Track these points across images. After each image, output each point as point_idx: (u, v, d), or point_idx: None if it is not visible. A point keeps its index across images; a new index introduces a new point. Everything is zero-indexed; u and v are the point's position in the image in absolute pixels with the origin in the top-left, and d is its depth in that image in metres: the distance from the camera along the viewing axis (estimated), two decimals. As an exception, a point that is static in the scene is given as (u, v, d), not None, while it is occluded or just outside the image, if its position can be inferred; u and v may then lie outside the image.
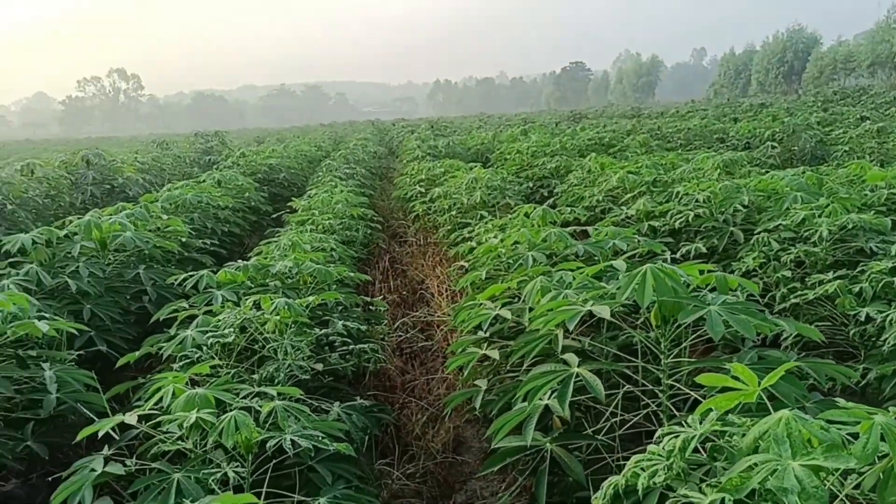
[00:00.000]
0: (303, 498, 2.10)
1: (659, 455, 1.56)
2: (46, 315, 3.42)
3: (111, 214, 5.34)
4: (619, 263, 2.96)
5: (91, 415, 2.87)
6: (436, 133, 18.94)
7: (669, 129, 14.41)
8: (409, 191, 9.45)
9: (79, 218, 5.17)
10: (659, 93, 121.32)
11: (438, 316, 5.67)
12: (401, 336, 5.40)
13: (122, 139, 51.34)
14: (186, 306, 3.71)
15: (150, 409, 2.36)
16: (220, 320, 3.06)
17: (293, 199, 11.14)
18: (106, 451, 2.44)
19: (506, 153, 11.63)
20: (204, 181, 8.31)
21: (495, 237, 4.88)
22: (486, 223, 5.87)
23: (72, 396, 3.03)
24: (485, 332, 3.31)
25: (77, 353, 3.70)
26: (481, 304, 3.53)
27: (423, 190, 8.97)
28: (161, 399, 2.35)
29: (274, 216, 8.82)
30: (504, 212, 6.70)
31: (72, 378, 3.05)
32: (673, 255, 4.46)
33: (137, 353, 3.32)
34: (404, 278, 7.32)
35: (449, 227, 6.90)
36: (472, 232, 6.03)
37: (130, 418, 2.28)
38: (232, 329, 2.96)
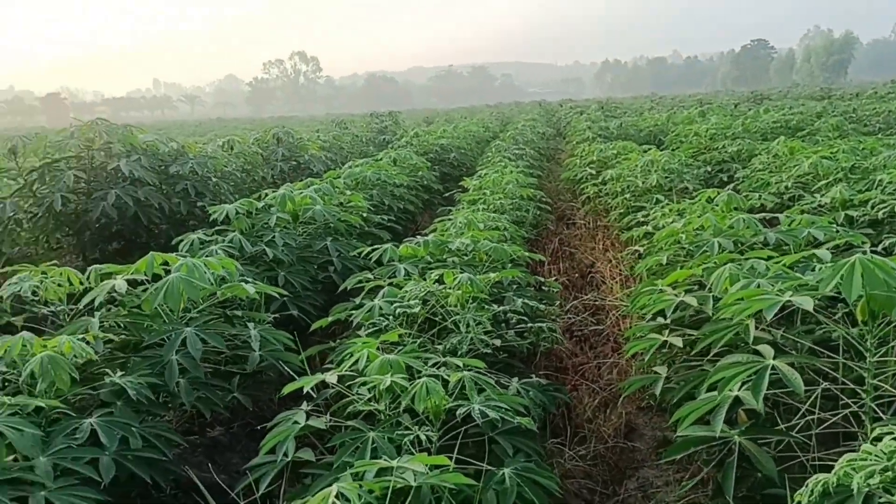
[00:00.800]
0: (489, 466, 2.16)
1: (876, 456, 1.47)
2: (249, 279, 3.74)
3: (301, 189, 5.71)
4: (824, 253, 2.78)
5: (291, 372, 3.11)
6: (606, 114, 18.54)
7: (866, 111, 13.20)
8: (578, 172, 9.34)
9: (273, 191, 5.58)
10: (852, 72, 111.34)
11: (609, 300, 5.59)
12: (570, 319, 5.38)
13: (301, 118, 54.46)
14: (371, 277, 3.91)
15: (346, 371, 2.52)
16: (405, 292, 3.20)
17: (462, 178, 11.33)
18: (305, 406, 2.64)
19: (681, 135, 11.18)
20: (381, 159, 8.67)
21: (673, 222, 4.73)
22: (663, 207, 5.70)
23: (272, 355, 3.29)
24: (666, 319, 3.24)
25: (272, 316, 4.02)
26: (661, 289, 3.45)
27: (593, 172, 8.84)
28: (357, 362, 2.51)
29: (445, 195, 9.03)
30: (681, 196, 6.47)
31: (273, 338, 3.31)
32: (873, 248, 4.11)
33: (329, 319, 3.55)
34: (572, 261, 7.28)
35: (621, 211, 6.76)
36: (646, 216, 5.87)
37: (331, 378, 2.45)
38: (416, 300, 3.09)
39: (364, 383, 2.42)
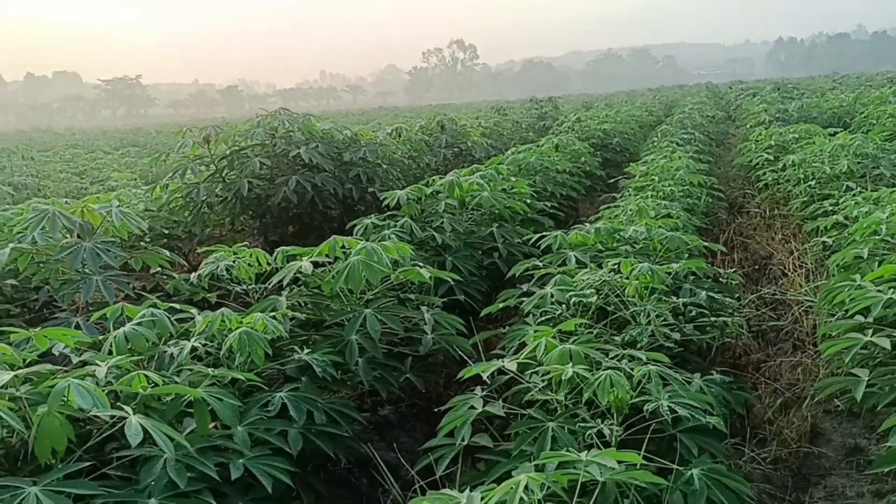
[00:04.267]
0: (678, 467, 2.07)
1: None
2: (420, 263, 3.81)
3: (467, 175, 5.76)
4: None
5: (464, 356, 3.15)
6: (783, 95, 17.33)
7: None
8: (753, 158, 8.79)
9: (440, 177, 5.67)
10: None
11: (791, 294, 5.22)
12: (747, 313, 5.07)
13: (458, 105, 55.16)
14: (540, 265, 3.87)
15: (523, 359, 2.50)
16: (578, 280, 3.13)
17: (624, 164, 10.98)
18: (479, 391, 2.65)
19: (872, 117, 10.23)
20: (542, 145, 8.58)
21: (869, 212, 4.33)
22: (855, 196, 5.23)
23: (444, 338, 3.34)
24: (867, 318, 2.96)
25: (441, 300, 4.08)
26: (861, 285, 3.16)
27: (771, 157, 8.28)
28: (534, 350, 2.48)
29: (610, 181, 8.80)
30: (876, 184, 5.91)
31: (446, 322, 3.36)
32: None
33: (500, 305, 3.55)
34: (747, 251, 6.86)
35: (804, 199, 6.28)
36: (835, 205, 5.42)
37: (510, 364, 2.44)
38: (591, 290, 3.01)
39: (543, 372, 2.38)
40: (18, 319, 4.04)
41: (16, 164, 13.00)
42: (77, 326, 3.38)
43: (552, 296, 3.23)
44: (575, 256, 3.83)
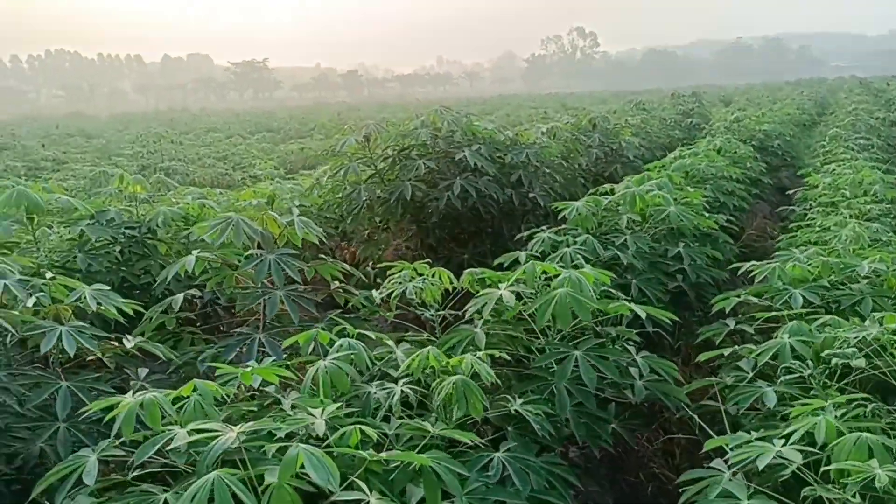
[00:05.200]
0: None
1: None
2: (612, 290, 3.42)
3: (637, 183, 5.31)
4: None
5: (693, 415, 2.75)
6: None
7: None
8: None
9: (611, 186, 5.26)
10: None
11: None
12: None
13: (579, 94, 54.00)
14: (755, 301, 3.41)
15: (799, 445, 2.07)
16: (837, 335, 2.65)
17: (783, 168, 10.13)
18: (723, 467, 2.25)
19: None
20: (701, 148, 7.96)
21: None
22: None
23: (656, 387, 2.95)
24: None
25: (631, 331, 3.68)
26: None
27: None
28: (807, 426, 2.05)
29: (789, 192, 8.04)
30: None
31: (660, 368, 2.96)
32: None
33: (701, 340, 3.12)
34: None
35: None
36: None
37: (793, 455, 2.02)
38: (853, 348, 2.53)
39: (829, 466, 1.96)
40: (190, 327, 3.97)
41: (165, 148, 13.51)
42: (260, 344, 3.21)
43: (791, 348, 2.77)
44: (802, 296, 3.33)
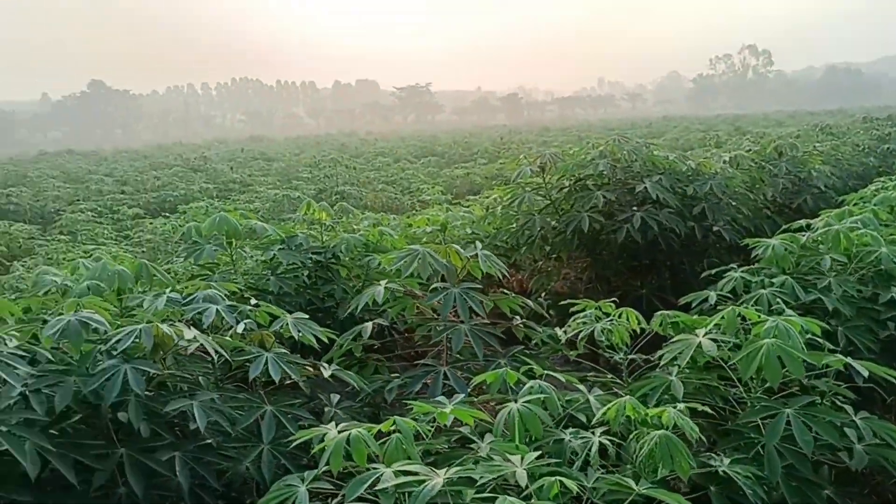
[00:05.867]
0: None
1: None
2: (818, 339, 3.13)
3: (836, 219, 4.89)
4: None
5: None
6: None
7: None
8: None
9: (806, 221, 4.88)
10: None
11: None
12: None
13: (753, 116, 51.27)
14: None
15: None
16: None
17: None
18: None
19: None
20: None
21: None
22: None
23: (879, 452, 2.66)
24: None
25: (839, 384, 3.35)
26: None
27: None
28: None
29: None
30: None
31: (883, 431, 2.66)
32: None
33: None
34: None
35: None
36: None
37: None
38: None
39: None
40: (375, 354, 4.08)
41: (338, 172, 14.23)
42: (445, 376, 3.23)
43: None
44: None
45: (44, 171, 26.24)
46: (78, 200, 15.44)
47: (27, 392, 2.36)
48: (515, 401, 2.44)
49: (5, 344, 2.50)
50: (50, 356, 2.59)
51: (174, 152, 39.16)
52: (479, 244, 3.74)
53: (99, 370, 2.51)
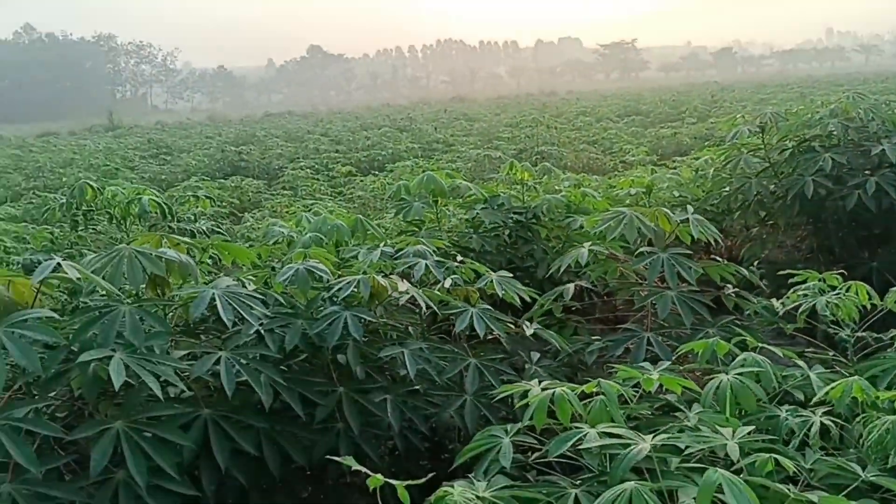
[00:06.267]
0: None
1: None
2: None
3: None
4: None
5: None
6: None
7: None
8: None
9: None
10: None
11: None
12: None
13: None
14: None
15: None
16: None
17: None
18: None
19: None
20: None
21: None
22: None
23: None
24: None
25: None
26: None
27: None
28: None
29: None
30: None
31: None
32: None
33: None
34: None
35: None
36: None
37: None
38: None
39: None
40: (575, 316, 4.07)
41: (539, 133, 14.19)
42: (649, 343, 3.16)
43: None
44: None
45: (269, 130, 28.69)
46: (298, 158, 16.71)
47: (262, 331, 2.62)
48: (726, 372, 2.34)
49: (244, 286, 2.79)
50: (281, 300, 2.86)
51: (382, 113, 41.13)
52: (690, 208, 3.57)
53: (322, 315, 2.73)
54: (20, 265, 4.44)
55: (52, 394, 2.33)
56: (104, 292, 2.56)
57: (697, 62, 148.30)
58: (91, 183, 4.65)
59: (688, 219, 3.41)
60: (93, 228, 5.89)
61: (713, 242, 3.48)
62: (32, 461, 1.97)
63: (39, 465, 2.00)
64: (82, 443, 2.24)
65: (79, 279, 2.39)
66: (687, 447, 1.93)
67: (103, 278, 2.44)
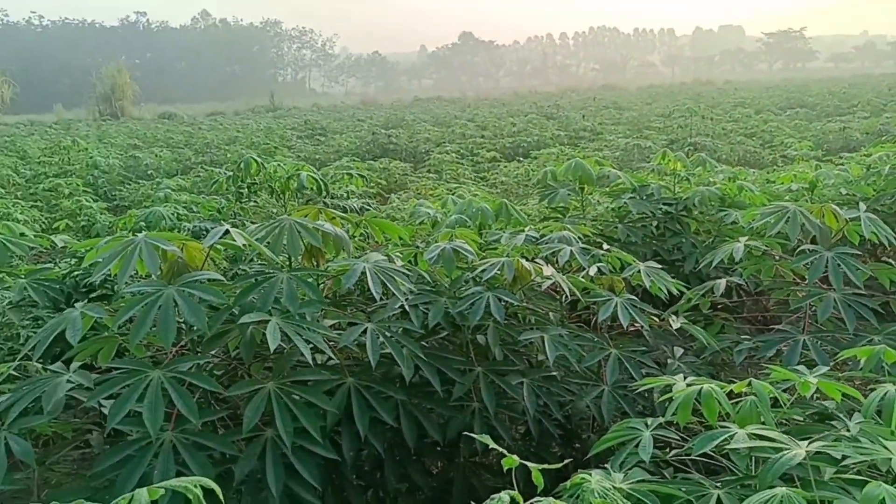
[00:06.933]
0: None
1: None
2: None
3: None
4: None
5: None
6: None
7: None
8: None
9: None
10: None
11: None
12: None
13: None
14: None
15: None
16: None
17: None
18: None
19: None
20: None
21: None
22: None
23: None
24: None
25: None
26: None
27: None
28: None
29: None
30: None
31: None
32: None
33: None
34: None
35: None
36: None
37: None
38: None
39: None
40: (722, 313, 3.90)
41: (693, 123, 13.59)
42: (804, 346, 2.97)
43: None
44: None
45: (417, 115, 29.30)
46: (444, 142, 16.98)
47: (407, 306, 2.69)
48: (894, 383, 2.16)
49: (393, 262, 2.88)
50: (427, 277, 2.93)
51: (530, 100, 40.90)
52: (862, 206, 3.31)
53: (465, 294, 2.77)
54: (190, 231, 4.81)
55: (212, 352, 2.50)
56: (263, 259, 2.72)
57: (874, 52, 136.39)
58: (256, 158, 4.95)
59: (859, 217, 3.17)
60: (254, 201, 6.28)
61: (886, 244, 3.20)
62: (193, 412, 2.13)
63: (199, 416, 2.16)
64: (236, 400, 2.40)
65: (245, 246, 2.55)
66: (845, 457, 1.80)
67: (265, 246, 2.59)
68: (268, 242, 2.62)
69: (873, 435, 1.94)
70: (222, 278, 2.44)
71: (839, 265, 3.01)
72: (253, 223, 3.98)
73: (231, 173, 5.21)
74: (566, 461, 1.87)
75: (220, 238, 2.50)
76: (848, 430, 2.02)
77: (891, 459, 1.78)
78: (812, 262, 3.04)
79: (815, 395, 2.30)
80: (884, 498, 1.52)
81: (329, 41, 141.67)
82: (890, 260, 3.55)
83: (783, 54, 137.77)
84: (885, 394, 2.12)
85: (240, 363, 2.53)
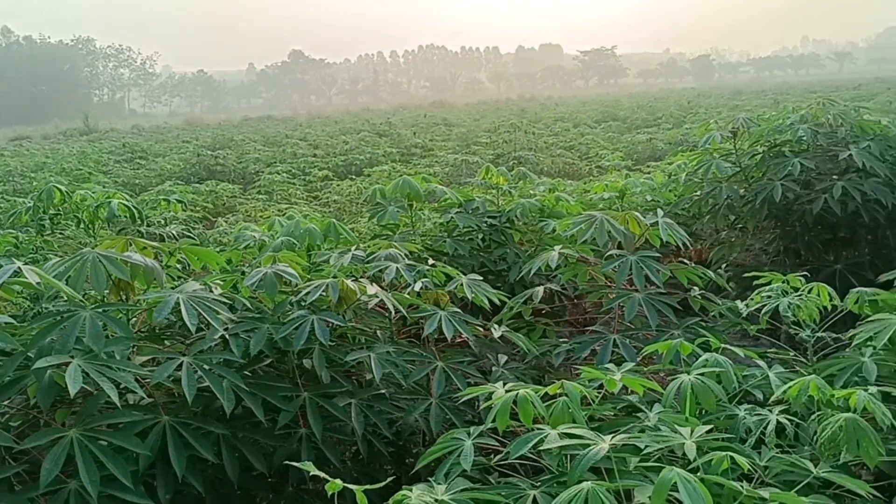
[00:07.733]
0: None
1: None
2: None
3: None
4: None
5: None
6: None
7: None
8: None
9: None
10: None
11: None
12: None
13: None
14: None
15: None
16: None
17: None
18: None
19: None
20: None
21: None
22: None
23: None
24: None
25: None
26: None
27: None
28: None
29: None
30: None
31: None
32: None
33: None
34: None
35: None
36: None
37: None
38: None
39: None
40: (543, 318, 4.09)
41: (517, 139, 14.23)
42: (615, 344, 3.18)
43: None
44: None
45: (247, 134, 28.53)
46: (275, 162, 16.64)
47: (227, 336, 2.60)
48: (688, 373, 2.36)
49: (211, 291, 2.77)
50: (248, 304, 2.84)
51: (362, 118, 41.05)
52: (660, 211, 3.60)
53: (289, 319, 2.72)
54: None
55: (6, 402, 2.29)
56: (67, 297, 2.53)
57: (675, 69, 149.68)
58: (59, 186, 4.60)
59: (657, 222, 3.44)
60: (60, 233, 5.83)
61: (682, 246, 3.51)
62: (-19, 471, 1.94)
63: (-14, 475, 1.96)
64: (36, 452, 2.21)
65: (39, 284, 2.36)
66: (646, 447, 1.94)
67: (66, 283, 2.41)
68: (69, 278, 2.44)
69: (670, 423, 2.11)
70: (12, 321, 2.24)
71: (641, 267, 3.25)
72: (58, 257, 3.69)
73: (33, 203, 4.81)
74: (390, 478, 1.87)
75: (11, 277, 2.29)
76: (649, 421, 2.18)
77: (684, 444, 1.94)
78: (619, 265, 3.27)
79: (624, 391, 2.47)
80: (675, 480, 1.66)
81: (150, 59, 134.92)
82: (684, 259, 3.89)
83: (597, 71, 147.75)
84: (681, 383, 2.31)
85: (41, 412, 2.33)
